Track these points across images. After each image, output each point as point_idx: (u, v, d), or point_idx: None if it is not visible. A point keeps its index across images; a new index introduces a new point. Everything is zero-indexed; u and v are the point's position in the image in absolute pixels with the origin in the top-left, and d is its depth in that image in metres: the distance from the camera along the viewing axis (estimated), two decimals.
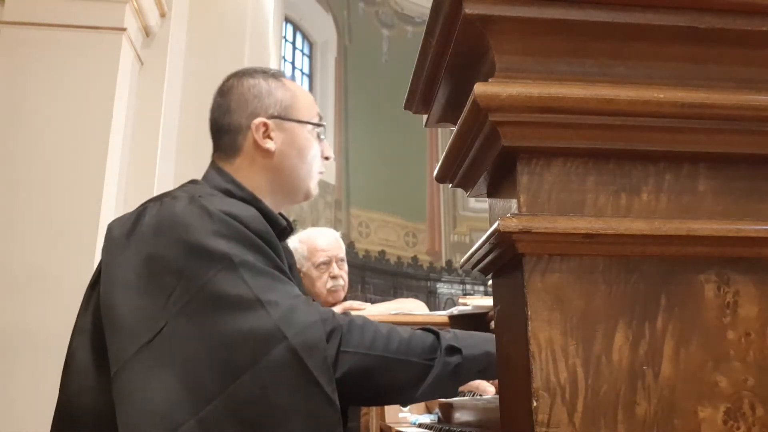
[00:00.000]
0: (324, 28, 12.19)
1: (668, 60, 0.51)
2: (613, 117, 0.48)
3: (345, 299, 2.23)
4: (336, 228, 3.08)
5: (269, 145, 1.10)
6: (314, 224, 9.24)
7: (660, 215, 0.50)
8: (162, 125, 2.72)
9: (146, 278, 0.90)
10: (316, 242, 2.23)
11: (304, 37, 12.17)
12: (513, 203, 0.50)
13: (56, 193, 2.26)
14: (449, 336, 0.96)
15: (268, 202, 1.10)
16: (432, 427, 1.44)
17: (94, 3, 2.44)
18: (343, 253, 2.26)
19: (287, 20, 10.80)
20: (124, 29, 2.45)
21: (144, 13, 2.62)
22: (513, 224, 0.47)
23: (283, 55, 10.18)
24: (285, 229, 1.11)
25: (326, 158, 1.19)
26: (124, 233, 0.95)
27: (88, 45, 2.41)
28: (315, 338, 0.85)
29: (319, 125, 1.17)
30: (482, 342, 0.98)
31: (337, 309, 1.95)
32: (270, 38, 3.71)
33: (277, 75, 1.17)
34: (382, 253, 11.76)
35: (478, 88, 0.47)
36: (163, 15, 2.80)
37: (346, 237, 7.44)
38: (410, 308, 1.95)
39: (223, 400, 0.81)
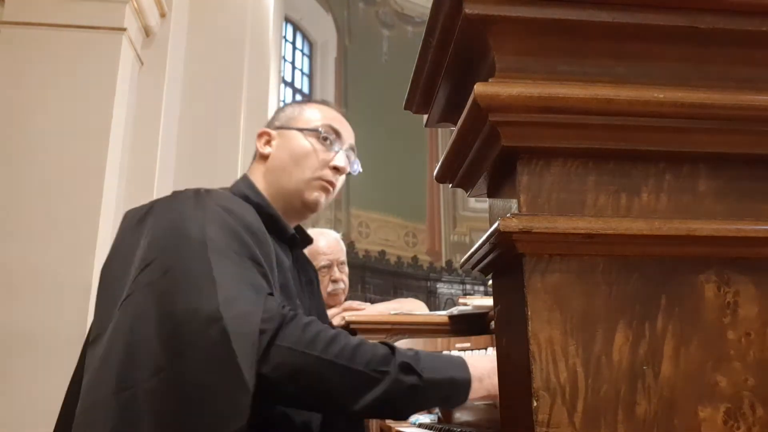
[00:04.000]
0: (324, 28, 12.18)
1: (668, 60, 0.51)
2: (613, 117, 0.48)
3: (345, 300, 2.21)
4: (336, 228, 3.07)
5: (266, 150, 1.21)
6: (314, 224, 9.22)
7: (660, 215, 0.50)
8: (162, 125, 2.71)
9: (140, 252, 0.97)
10: (317, 245, 2.21)
11: (304, 37, 12.16)
12: (513, 203, 0.50)
13: (56, 193, 2.26)
14: (410, 354, 0.89)
15: (279, 210, 1.16)
16: (432, 427, 1.44)
17: (94, 3, 2.44)
18: (344, 256, 2.25)
19: (287, 20, 10.79)
20: (124, 29, 2.45)
21: (144, 13, 2.61)
22: (513, 224, 0.47)
23: (283, 55, 10.16)
24: (293, 237, 1.17)
25: (335, 168, 1.19)
26: (137, 219, 1.04)
27: (88, 45, 2.41)
28: (249, 326, 0.84)
29: (312, 130, 1.20)
30: (446, 366, 0.91)
31: (337, 309, 1.94)
32: (270, 38, 3.71)
33: (311, 100, 1.29)
34: (382, 253, 11.74)
35: (479, 88, 0.47)
36: (163, 15, 2.80)
37: (346, 237, 7.43)
38: (410, 308, 1.93)
39: (167, 375, 0.84)
